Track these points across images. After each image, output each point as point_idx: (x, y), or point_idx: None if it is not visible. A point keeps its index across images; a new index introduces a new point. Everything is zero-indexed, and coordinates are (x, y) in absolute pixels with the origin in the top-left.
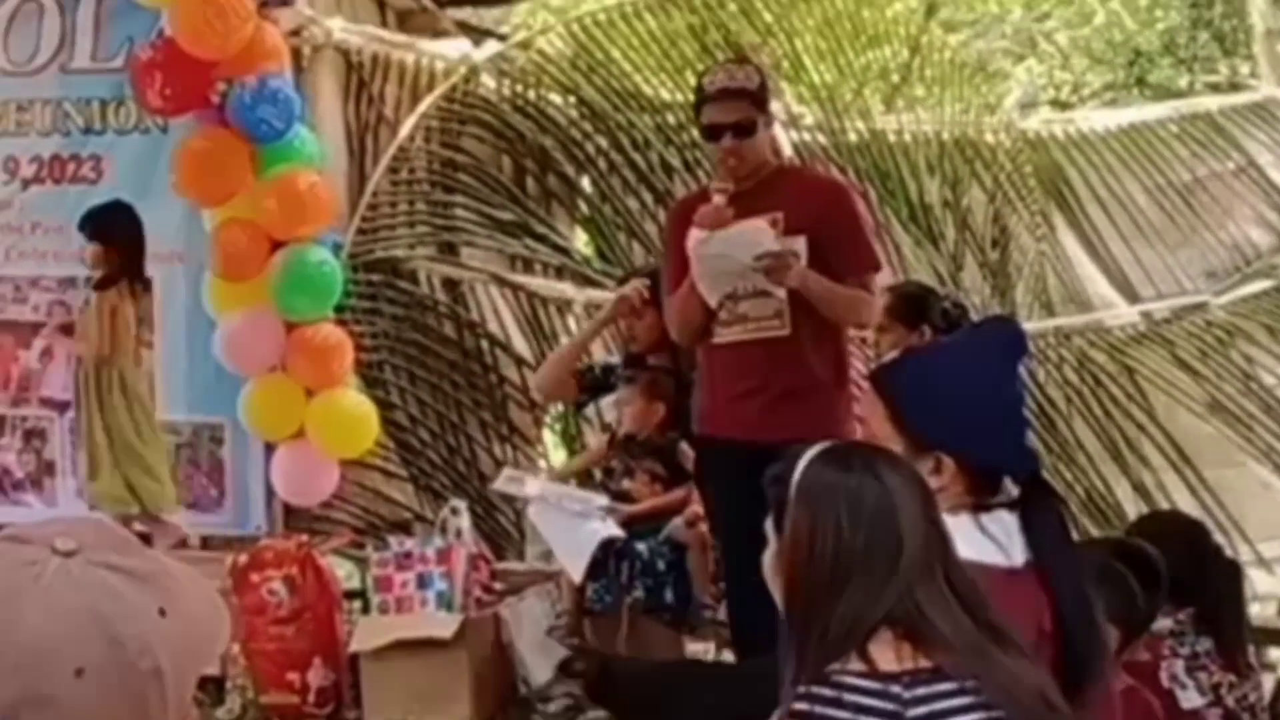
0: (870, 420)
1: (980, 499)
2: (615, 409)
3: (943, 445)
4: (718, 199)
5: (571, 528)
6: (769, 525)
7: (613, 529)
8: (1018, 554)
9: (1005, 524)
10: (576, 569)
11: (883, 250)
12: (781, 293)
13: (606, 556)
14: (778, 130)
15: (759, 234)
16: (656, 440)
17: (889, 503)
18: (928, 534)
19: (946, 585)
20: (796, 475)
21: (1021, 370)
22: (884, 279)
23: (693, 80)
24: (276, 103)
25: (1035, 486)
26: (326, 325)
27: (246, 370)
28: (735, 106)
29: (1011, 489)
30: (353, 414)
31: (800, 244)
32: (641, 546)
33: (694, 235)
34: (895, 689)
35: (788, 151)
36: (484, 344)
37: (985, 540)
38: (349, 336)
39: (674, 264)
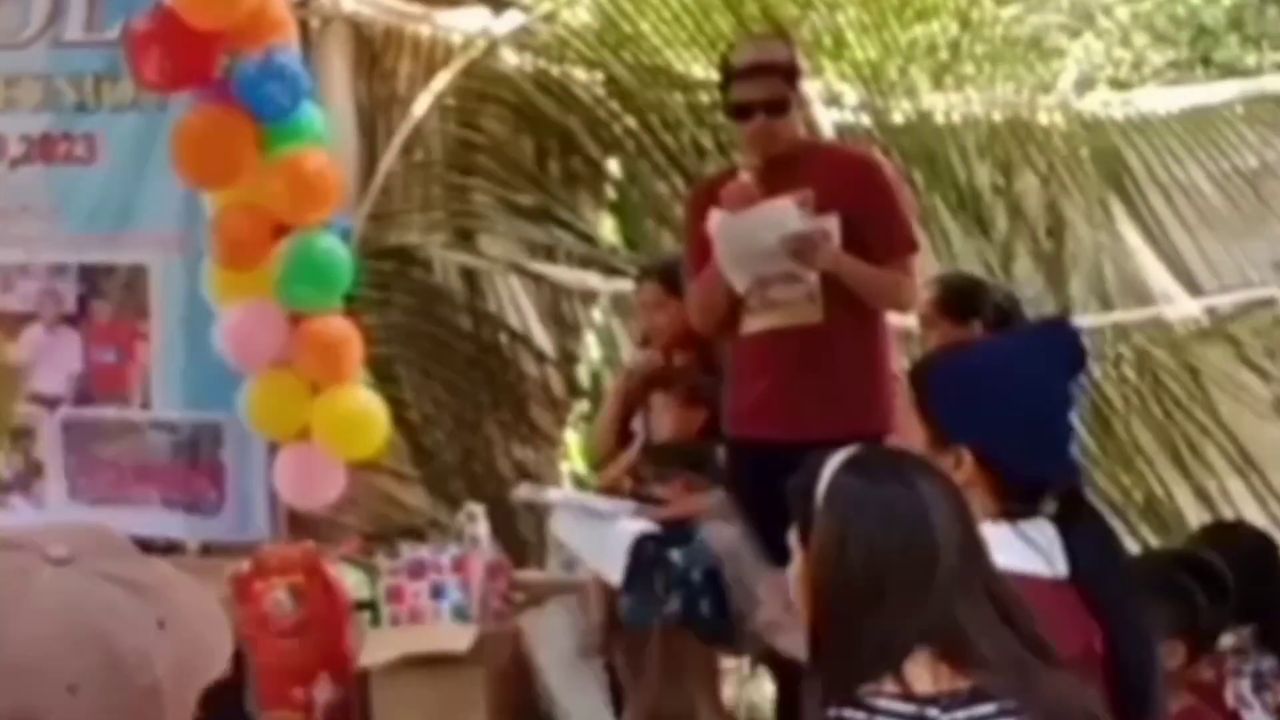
0: (903, 413)
1: (1012, 509)
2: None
3: (963, 439)
4: (744, 176)
5: (601, 530)
6: (793, 539)
7: (646, 525)
8: (1061, 564)
9: (1046, 531)
10: (614, 572)
11: (929, 239)
12: (813, 276)
13: (639, 566)
14: (818, 110)
15: (785, 213)
16: (692, 447)
17: (922, 511)
18: (964, 543)
19: (986, 597)
20: (822, 485)
21: (1074, 379)
22: (928, 269)
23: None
24: (283, 78)
25: (1075, 504)
26: (334, 317)
27: (248, 365)
28: (767, 83)
29: (1050, 504)
30: (362, 412)
31: (832, 223)
32: (676, 556)
33: (716, 215)
34: (932, 713)
35: (828, 134)
36: (503, 337)
37: (1027, 548)
38: (358, 329)
39: (696, 249)
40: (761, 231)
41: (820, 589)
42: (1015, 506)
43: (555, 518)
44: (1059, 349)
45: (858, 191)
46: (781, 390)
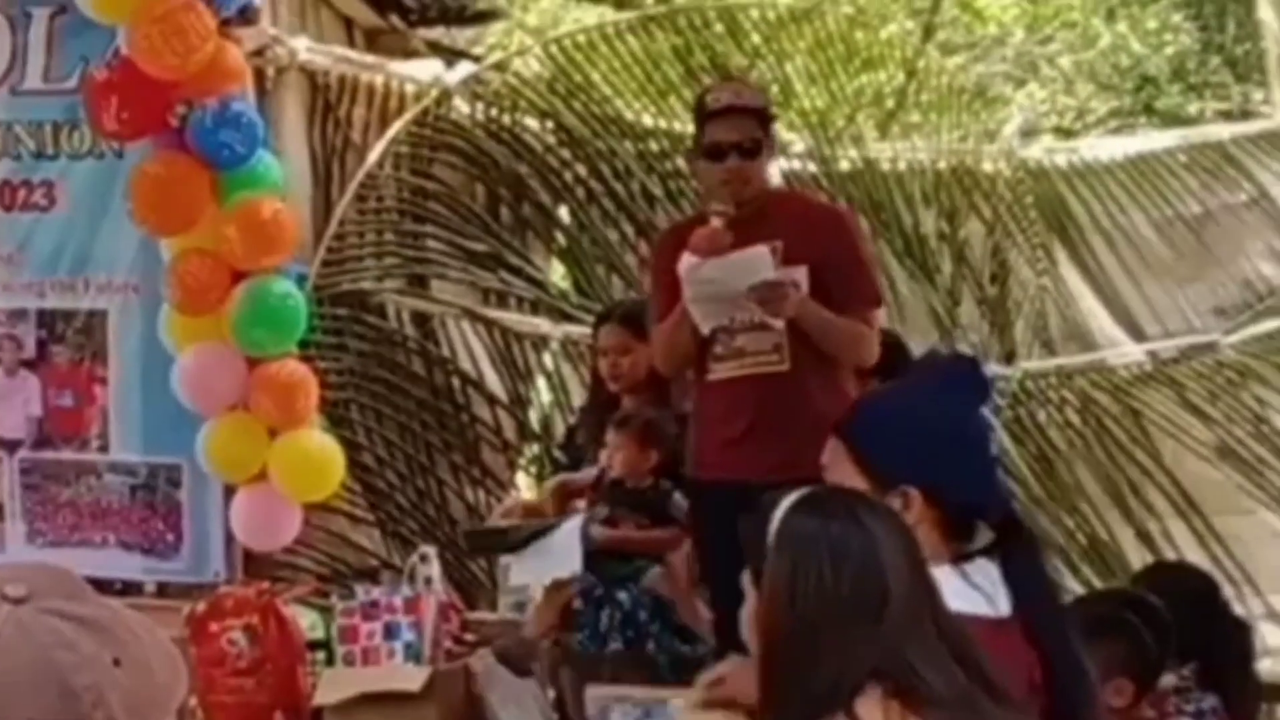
0: (833, 467)
1: (956, 545)
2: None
3: (907, 479)
4: (716, 223)
5: (545, 543)
6: (746, 580)
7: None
8: (1004, 603)
9: (989, 573)
10: (573, 563)
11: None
12: (780, 325)
13: (586, 604)
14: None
15: (758, 261)
16: (647, 490)
17: (873, 550)
18: (914, 581)
19: (936, 635)
20: (774, 525)
21: (986, 410)
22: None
23: (676, 105)
24: (240, 126)
25: (1011, 528)
26: (291, 361)
27: (206, 408)
28: (742, 124)
29: (986, 533)
30: (318, 455)
31: (801, 274)
32: (623, 596)
33: (687, 260)
34: None
35: (776, 180)
36: (455, 382)
37: (972, 590)
38: (313, 373)
39: (663, 291)
40: (731, 277)
41: (772, 627)
42: (958, 543)
43: (505, 566)
44: (968, 382)
45: (825, 243)
46: (746, 436)
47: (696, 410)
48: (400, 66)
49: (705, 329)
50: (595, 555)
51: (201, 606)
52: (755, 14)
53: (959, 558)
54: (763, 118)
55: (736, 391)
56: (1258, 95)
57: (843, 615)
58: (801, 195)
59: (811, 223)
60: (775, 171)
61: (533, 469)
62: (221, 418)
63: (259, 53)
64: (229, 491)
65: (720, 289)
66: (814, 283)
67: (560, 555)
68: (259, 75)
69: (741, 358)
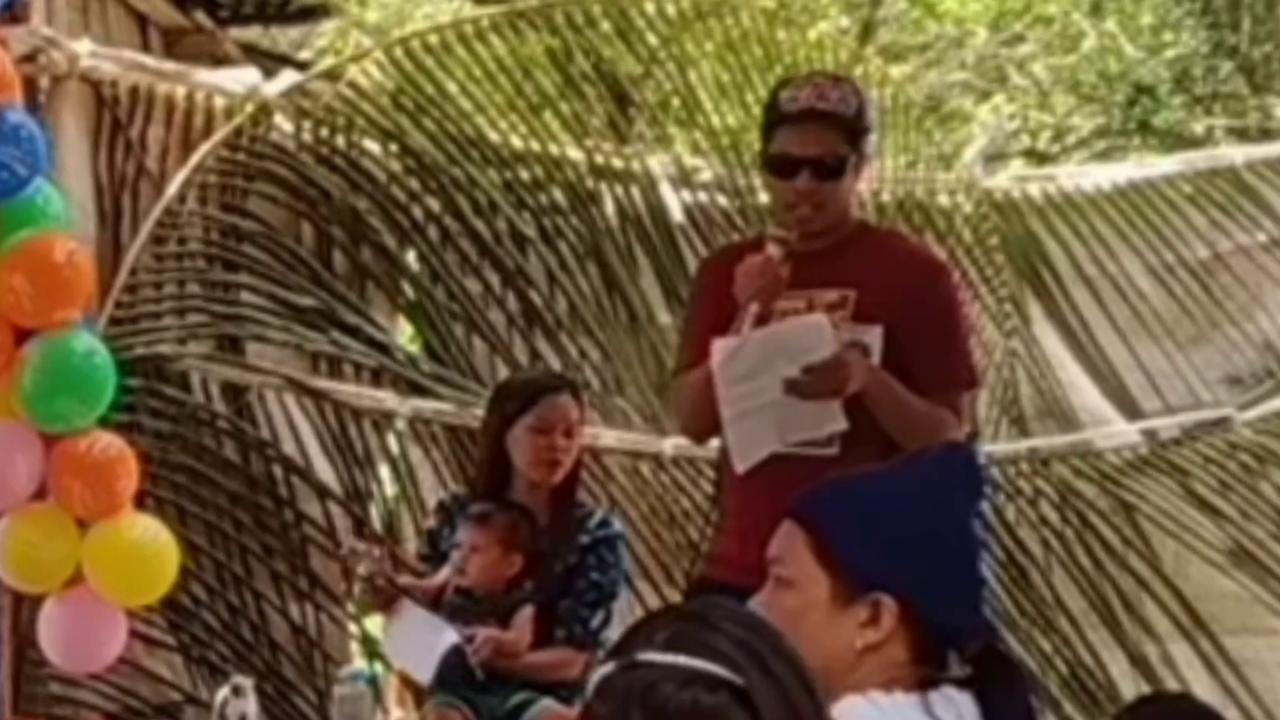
0: (788, 559)
1: (924, 670)
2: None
3: (885, 587)
4: (772, 250)
5: (424, 634)
6: None
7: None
8: None
9: (957, 704)
10: (426, 670)
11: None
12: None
13: None
14: (665, 191)
15: (812, 334)
16: (501, 600)
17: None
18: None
19: None
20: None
21: (979, 511)
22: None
23: (552, 123)
24: (18, 142)
25: (992, 658)
26: (102, 435)
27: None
28: (822, 136)
29: (956, 666)
30: (146, 545)
31: (874, 336)
32: None
33: (719, 345)
34: None
35: (677, 218)
36: (277, 470)
37: None
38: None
39: (702, 328)
40: (781, 356)
41: None
42: (926, 667)
43: (341, 698)
44: (960, 474)
45: (912, 301)
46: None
47: (725, 495)
48: (207, 76)
49: (741, 467)
50: (474, 683)
51: None
52: (651, 8)
53: (923, 683)
54: (851, 129)
55: (772, 475)
56: (1279, 110)
57: None
58: (893, 235)
59: (897, 271)
60: (675, 206)
61: None
62: (19, 513)
63: (30, 58)
64: None
65: (764, 375)
66: (891, 349)
67: (427, 646)
68: (29, 86)
69: None
